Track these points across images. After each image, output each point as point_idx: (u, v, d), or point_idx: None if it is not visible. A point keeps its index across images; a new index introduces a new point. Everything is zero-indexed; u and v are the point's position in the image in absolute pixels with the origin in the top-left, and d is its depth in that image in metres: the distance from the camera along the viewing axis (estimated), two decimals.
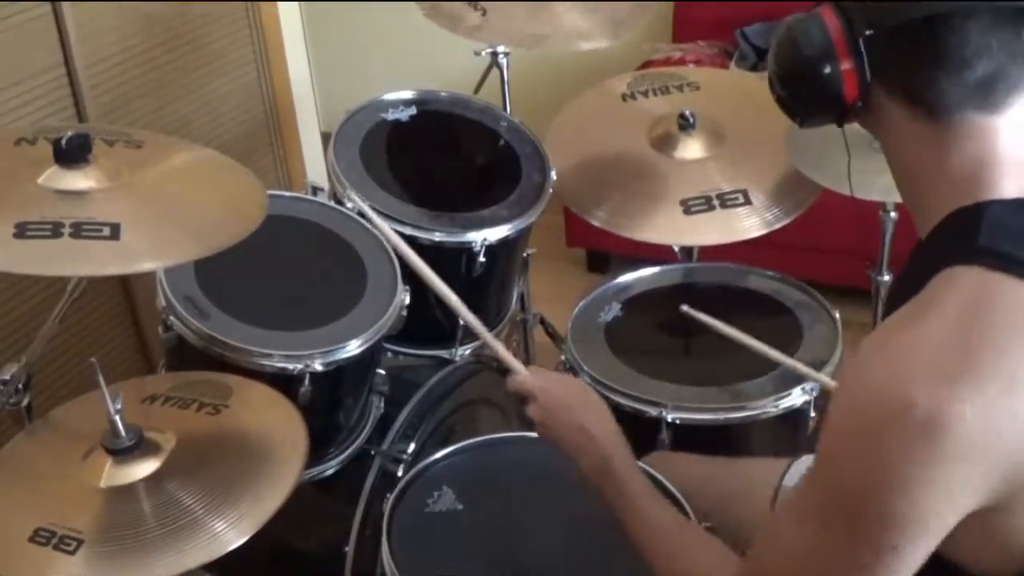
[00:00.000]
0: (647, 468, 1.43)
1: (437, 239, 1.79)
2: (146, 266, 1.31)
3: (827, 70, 0.95)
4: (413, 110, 1.98)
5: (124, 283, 2.55)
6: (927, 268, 0.91)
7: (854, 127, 1.03)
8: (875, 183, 1.55)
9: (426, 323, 1.87)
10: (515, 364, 1.32)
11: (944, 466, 0.83)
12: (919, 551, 0.87)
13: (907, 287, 0.93)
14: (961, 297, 0.86)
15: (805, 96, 1.00)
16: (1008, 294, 0.86)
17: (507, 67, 2.18)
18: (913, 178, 0.98)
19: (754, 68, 3.04)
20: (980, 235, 0.89)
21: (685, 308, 1.83)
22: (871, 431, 0.85)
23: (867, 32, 0.93)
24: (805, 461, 1.48)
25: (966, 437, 0.82)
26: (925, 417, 0.82)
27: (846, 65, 0.95)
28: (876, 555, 0.87)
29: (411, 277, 1.72)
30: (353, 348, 1.60)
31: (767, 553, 1.00)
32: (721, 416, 1.69)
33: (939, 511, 0.85)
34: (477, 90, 2.19)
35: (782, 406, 1.69)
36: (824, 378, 1.66)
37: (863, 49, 0.94)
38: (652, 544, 1.14)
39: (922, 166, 0.96)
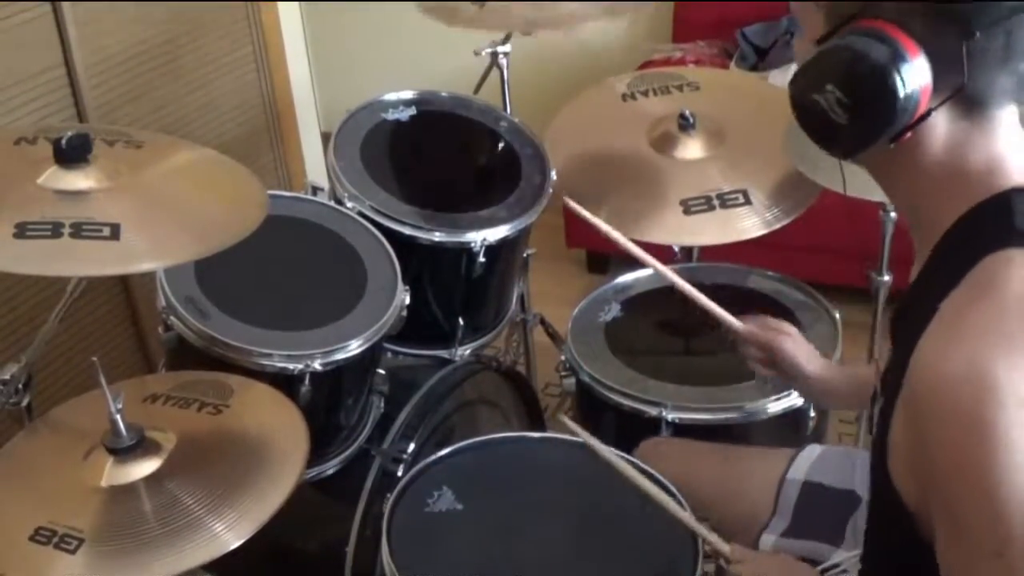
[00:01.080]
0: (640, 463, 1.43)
1: (437, 239, 1.79)
2: (146, 266, 1.31)
3: (906, 89, 0.91)
4: (413, 110, 1.98)
5: (124, 283, 2.55)
6: (964, 257, 0.92)
7: None
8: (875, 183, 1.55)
9: (426, 323, 1.87)
10: (723, 547, 1.27)
11: None
12: None
13: (938, 281, 0.93)
14: (1017, 276, 0.88)
15: (878, 121, 0.93)
16: None
17: (507, 67, 2.18)
18: (927, 179, 0.98)
19: (754, 68, 3.04)
20: (1016, 219, 0.92)
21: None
22: (972, 416, 0.85)
23: (957, 39, 0.90)
24: (811, 451, 1.47)
25: None
26: (1011, 391, 0.83)
27: (924, 80, 0.91)
28: None
29: (412, 277, 1.73)
30: (353, 348, 1.60)
31: None
32: (721, 416, 1.69)
33: None
34: (477, 90, 2.19)
35: (782, 406, 1.69)
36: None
37: (939, 58, 0.91)
38: None
39: (941, 164, 0.96)
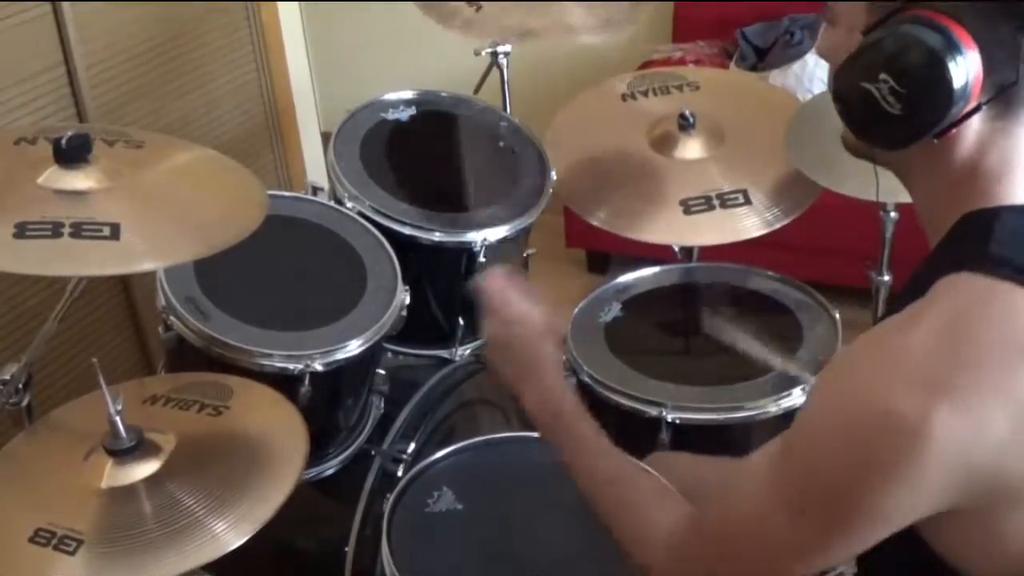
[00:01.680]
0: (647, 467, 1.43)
1: (437, 239, 1.79)
2: (146, 266, 1.31)
3: (960, 82, 0.89)
4: (413, 110, 1.98)
5: (124, 283, 2.55)
6: (937, 270, 0.90)
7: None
8: (876, 183, 1.55)
9: (426, 323, 1.87)
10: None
11: (923, 471, 0.83)
12: (871, 541, 0.89)
13: (912, 291, 0.92)
14: (956, 305, 0.87)
15: (933, 113, 0.91)
16: (1012, 305, 0.86)
17: (507, 67, 2.18)
18: (949, 175, 0.96)
19: (754, 68, 3.04)
20: (991, 242, 0.89)
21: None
22: (854, 433, 0.86)
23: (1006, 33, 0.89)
24: None
25: (946, 445, 0.82)
26: (906, 426, 0.82)
27: (976, 74, 0.90)
28: (828, 538, 0.89)
29: (412, 277, 1.73)
30: (353, 348, 1.60)
31: (719, 509, 1.01)
32: (721, 416, 1.68)
33: (908, 511, 0.87)
34: (477, 90, 2.19)
35: (782, 406, 1.69)
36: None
37: (990, 54, 0.90)
38: (600, 486, 1.13)
39: (963, 162, 0.95)
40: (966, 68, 0.88)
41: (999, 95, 0.91)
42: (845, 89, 0.95)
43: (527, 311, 1.24)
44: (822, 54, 1.04)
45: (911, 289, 0.94)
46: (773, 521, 0.92)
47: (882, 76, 0.91)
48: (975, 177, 0.94)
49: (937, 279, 0.89)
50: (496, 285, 1.25)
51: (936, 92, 0.89)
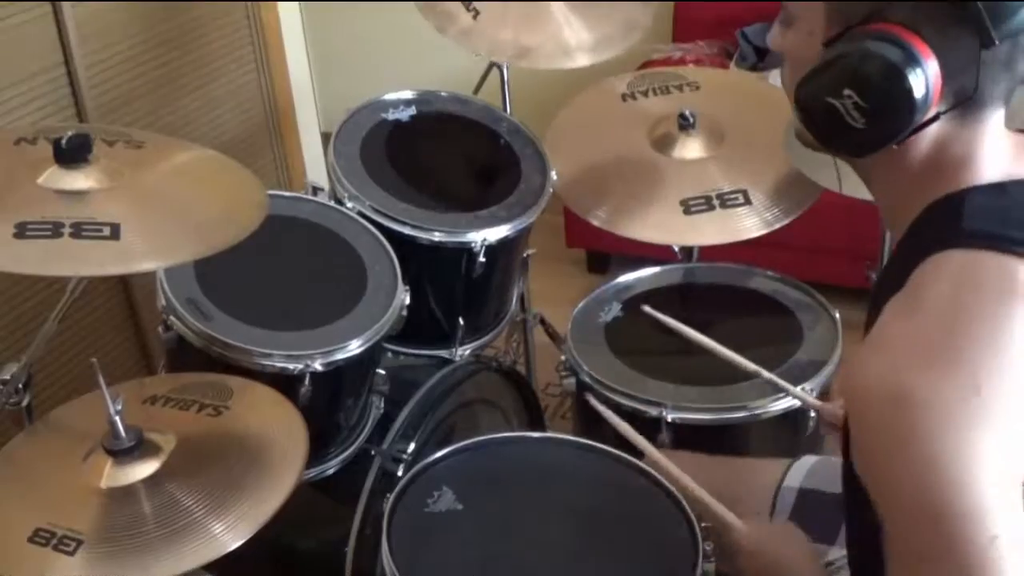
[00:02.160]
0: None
1: (437, 239, 1.79)
2: (146, 266, 1.31)
3: (921, 94, 0.91)
4: (413, 110, 1.98)
5: (124, 283, 2.55)
6: (911, 259, 0.92)
7: None
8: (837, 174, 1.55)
9: (426, 323, 1.87)
10: (730, 518, 1.30)
11: (973, 437, 0.84)
12: (1018, 531, 0.87)
13: (891, 281, 0.94)
14: (947, 282, 0.89)
15: (895, 125, 0.94)
16: (995, 268, 0.88)
17: (507, 67, 2.18)
18: (910, 172, 0.98)
19: (754, 68, 3.04)
20: (963, 219, 0.92)
21: (646, 308, 1.81)
22: (890, 430, 0.86)
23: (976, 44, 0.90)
24: (807, 460, 1.48)
25: (977, 407, 0.84)
26: (928, 399, 0.83)
27: (936, 84, 0.92)
28: (983, 553, 0.86)
29: (412, 277, 1.73)
30: (353, 348, 1.60)
31: None
32: (721, 416, 1.69)
33: (1004, 482, 0.86)
34: (477, 90, 2.19)
35: (782, 406, 1.69)
36: (800, 392, 1.63)
37: (949, 62, 0.91)
38: None
39: (923, 159, 0.97)
40: (927, 79, 0.90)
41: (963, 103, 0.93)
42: (809, 101, 0.97)
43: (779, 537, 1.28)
44: (777, 49, 1.06)
45: (886, 282, 0.96)
46: None
47: (846, 92, 0.93)
48: (938, 169, 0.97)
49: (915, 265, 0.91)
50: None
51: (899, 106, 0.92)
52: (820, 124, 0.97)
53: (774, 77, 2.90)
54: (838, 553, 1.30)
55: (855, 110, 0.93)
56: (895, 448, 0.86)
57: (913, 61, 0.90)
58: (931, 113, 0.93)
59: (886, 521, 0.92)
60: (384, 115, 1.95)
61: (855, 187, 1.66)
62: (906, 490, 0.87)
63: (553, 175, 1.91)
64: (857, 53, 0.92)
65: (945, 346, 0.86)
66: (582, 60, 2.02)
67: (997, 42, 0.89)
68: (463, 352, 1.93)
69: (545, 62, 2.00)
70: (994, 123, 0.97)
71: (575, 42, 2.03)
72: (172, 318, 1.56)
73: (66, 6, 2.30)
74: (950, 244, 0.91)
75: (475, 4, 1.99)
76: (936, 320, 0.87)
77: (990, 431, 0.85)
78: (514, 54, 2.00)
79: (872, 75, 0.91)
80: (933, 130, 0.95)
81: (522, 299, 2.19)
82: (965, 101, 0.93)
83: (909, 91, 0.90)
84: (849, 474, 1.00)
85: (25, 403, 1.47)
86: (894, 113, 0.92)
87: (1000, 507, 0.86)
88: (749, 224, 1.81)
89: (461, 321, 1.90)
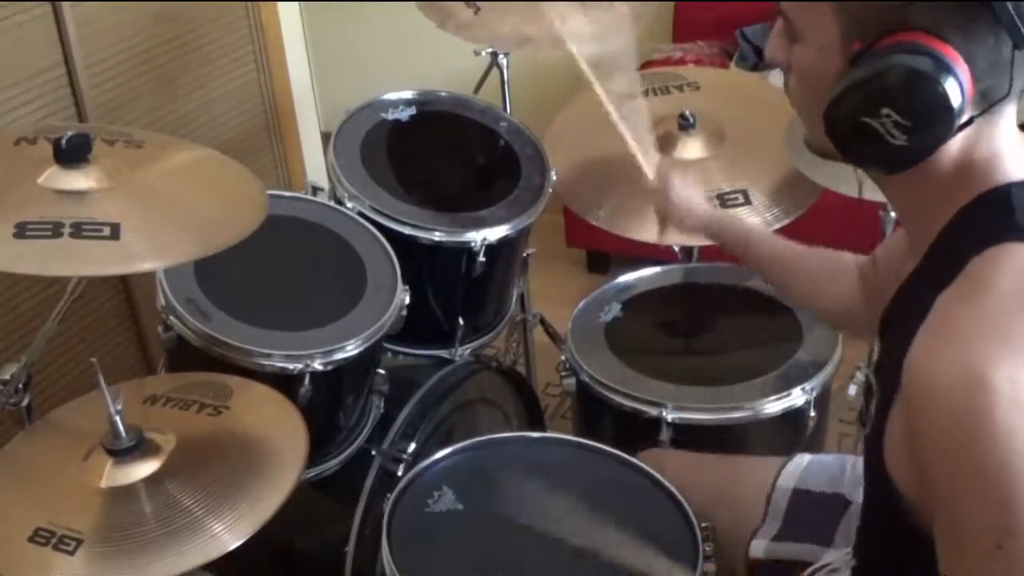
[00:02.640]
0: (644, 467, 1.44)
1: (437, 239, 1.79)
2: (146, 266, 1.30)
3: (957, 103, 0.90)
4: (413, 110, 1.98)
5: (124, 283, 2.55)
6: (961, 251, 0.92)
7: None
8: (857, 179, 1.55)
9: (426, 323, 1.87)
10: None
11: None
12: None
13: (936, 274, 0.93)
14: (1011, 275, 0.88)
15: (936, 139, 0.93)
16: None
17: (507, 67, 2.18)
18: (938, 174, 0.97)
19: (754, 68, 3.03)
20: (1016, 213, 0.92)
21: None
22: (966, 416, 0.85)
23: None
24: (800, 460, 1.48)
25: None
26: (1010, 390, 0.83)
27: (969, 90, 0.91)
28: None
29: (411, 277, 1.73)
30: (353, 348, 1.60)
31: None
32: (721, 416, 1.69)
33: None
34: (477, 90, 2.19)
35: (782, 406, 1.69)
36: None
37: (976, 65, 0.91)
38: None
39: (948, 163, 0.96)
40: (960, 85, 0.89)
41: (996, 104, 0.92)
42: (842, 122, 0.94)
43: None
44: (781, 64, 1.03)
45: (927, 277, 0.95)
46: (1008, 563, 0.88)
47: (884, 111, 0.91)
48: (968, 169, 0.96)
49: (967, 259, 0.91)
50: None
51: (939, 118, 0.90)
52: (855, 144, 0.95)
53: (774, 77, 2.90)
54: (834, 555, 1.30)
55: (895, 128, 0.91)
56: (974, 431, 0.85)
57: (946, 70, 0.88)
58: (964, 118, 0.92)
59: (950, 516, 0.91)
60: (384, 115, 1.95)
61: (871, 191, 1.67)
62: (983, 475, 0.86)
63: (553, 175, 1.91)
64: (891, 70, 0.90)
65: (1020, 333, 0.86)
66: (586, 49, 2.00)
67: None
68: (463, 352, 1.93)
69: (548, 49, 1.99)
70: (1010, 117, 0.97)
71: (576, 30, 2.02)
72: (172, 318, 1.56)
73: (66, 6, 2.30)
74: (1007, 237, 0.90)
75: (477, 2, 1.99)
76: (1007, 309, 0.87)
77: None
78: (515, 43, 1.99)
79: (910, 92, 0.89)
80: (961, 134, 0.94)
81: (522, 299, 2.19)
82: (998, 102, 0.92)
83: (947, 101, 0.89)
84: (875, 478, 1.00)
85: (25, 403, 1.46)
86: (936, 125, 0.91)
87: None
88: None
89: (461, 321, 1.90)
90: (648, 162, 1.65)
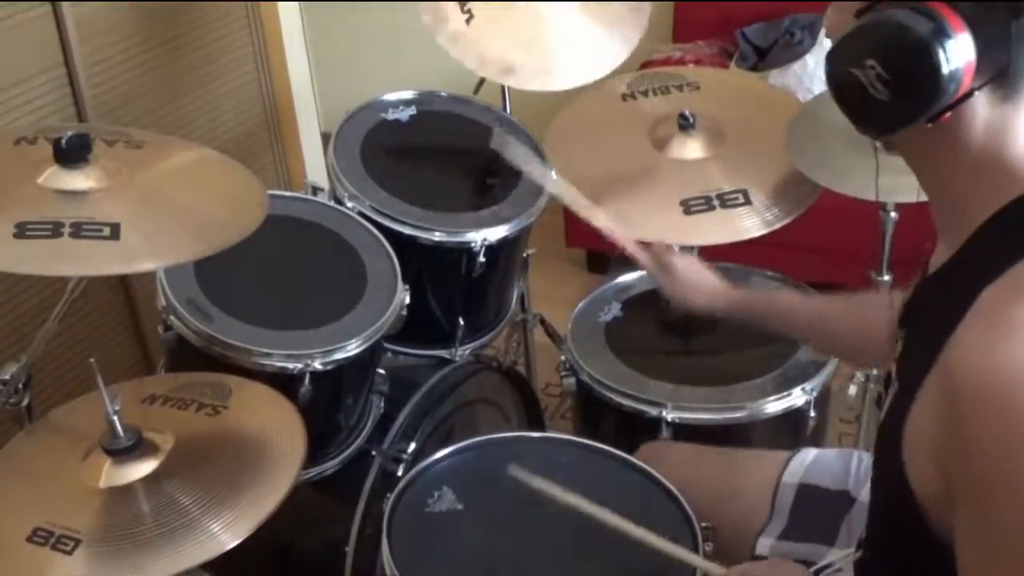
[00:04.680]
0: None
1: (437, 239, 1.79)
2: (146, 266, 1.30)
3: (950, 67, 0.88)
4: (413, 110, 1.98)
5: (124, 283, 2.55)
6: (1008, 249, 0.89)
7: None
8: (875, 183, 1.55)
9: (426, 323, 1.87)
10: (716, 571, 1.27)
11: None
12: None
13: (978, 268, 0.90)
14: None
15: (920, 99, 0.91)
16: None
17: None
18: (963, 171, 0.95)
19: (754, 68, 3.04)
20: None
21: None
22: (1021, 414, 0.83)
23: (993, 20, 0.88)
24: (805, 455, 1.47)
25: None
26: None
27: (968, 58, 0.88)
28: None
29: (411, 277, 1.73)
30: (353, 348, 1.60)
31: None
32: (721, 416, 1.69)
33: None
34: (477, 90, 2.19)
35: (782, 406, 1.69)
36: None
37: (983, 37, 0.88)
38: None
39: (977, 155, 0.94)
40: (957, 53, 0.87)
41: (997, 78, 0.90)
42: (835, 74, 0.95)
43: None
44: (828, 33, 1.03)
45: (972, 270, 0.92)
46: None
47: (868, 62, 0.91)
48: (1004, 163, 0.93)
49: (1011, 260, 0.88)
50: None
51: (923, 79, 0.88)
52: (846, 97, 0.95)
53: (774, 77, 2.91)
54: (838, 554, 1.29)
55: (878, 81, 0.91)
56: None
57: (940, 31, 0.87)
58: (964, 89, 0.89)
59: (985, 516, 0.88)
60: (384, 115, 1.95)
61: (858, 188, 1.67)
62: (1020, 476, 0.83)
63: (553, 175, 1.91)
64: (879, 22, 0.91)
65: None
66: (564, 83, 2.00)
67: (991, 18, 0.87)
68: (463, 352, 1.93)
69: (527, 82, 1.99)
70: None
71: (561, 63, 2.02)
72: (172, 318, 1.56)
73: (66, 6, 2.30)
74: None
75: (470, 5, 1.99)
76: None
77: None
78: (498, 71, 1.99)
79: (893, 44, 0.89)
80: (981, 119, 0.92)
81: (522, 299, 2.19)
82: (999, 78, 0.90)
83: (934, 62, 0.87)
84: (887, 474, 0.98)
85: (25, 403, 1.47)
86: (918, 84, 0.89)
87: None
88: (749, 224, 1.81)
89: (461, 321, 1.90)
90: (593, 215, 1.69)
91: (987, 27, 0.88)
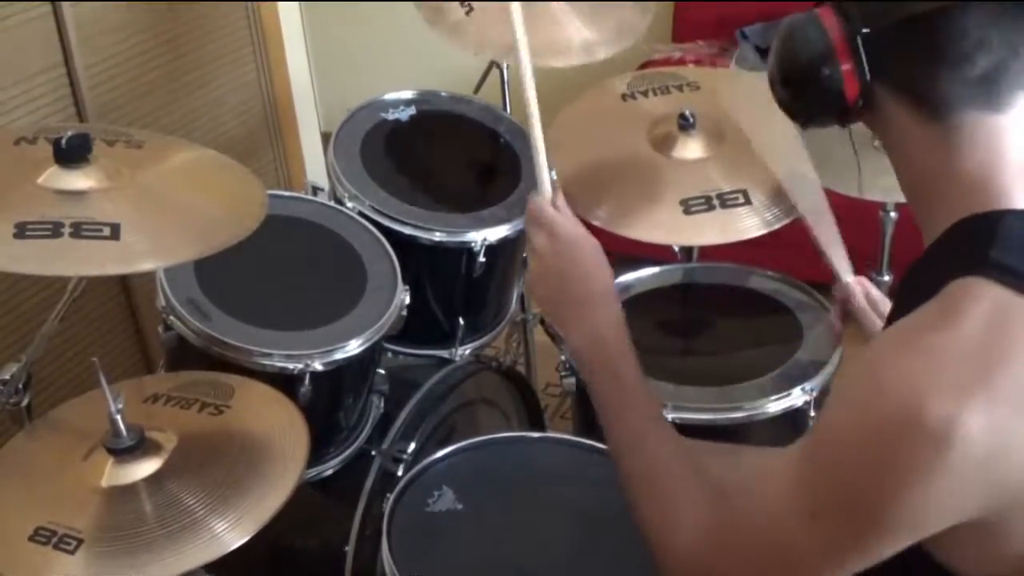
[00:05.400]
0: None
1: (437, 239, 1.79)
2: (146, 266, 1.30)
3: (827, 71, 0.94)
4: (413, 110, 1.98)
5: (124, 283, 2.55)
6: (938, 274, 0.88)
7: (859, 126, 1.02)
8: (876, 183, 1.55)
9: (426, 323, 1.87)
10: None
11: (948, 478, 0.81)
12: (897, 547, 0.87)
13: (914, 292, 0.90)
14: (981, 310, 0.84)
15: (806, 97, 1.00)
16: (1020, 314, 0.83)
17: (507, 67, 2.18)
18: (919, 181, 0.96)
19: (754, 68, 3.03)
20: (994, 248, 0.87)
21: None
22: (883, 434, 0.83)
23: (864, 30, 0.93)
24: None
25: (974, 453, 0.81)
26: (937, 428, 0.80)
27: (846, 65, 0.94)
28: (855, 546, 0.87)
29: (411, 277, 1.73)
30: (353, 348, 1.60)
31: (745, 513, 0.98)
32: (721, 416, 1.68)
33: (933, 519, 0.85)
34: (477, 90, 2.20)
35: (782, 406, 1.69)
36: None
37: (861, 48, 0.93)
38: (631, 452, 1.12)
39: (928, 169, 0.94)
40: (829, 60, 0.95)
41: (916, 98, 0.93)
42: (769, 76, 1.06)
43: (583, 235, 1.24)
44: None
45: (914, 285, 0.93)
46: (790, 527, 0.90)
47: (773, 68, 1.03)
48: (955, 178, 0.93)
49: (947, 280, 0.87)
50: (547, 206, 1.25)
51: (804, 81, 0.98)
52: (774, 95, 1.04)
53: None
54: None
55: (777, 81, 1.02)
56: (888, 445, 0.83)
57: (812, 39, 0.96)
58: (851, 95, 0.95)
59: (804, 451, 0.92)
60: (384, 115, 1.95)
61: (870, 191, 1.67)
62: (855, 472, 0.85)
63: (553, 175, 1.91)
64: (781, 28, 1.00)
65: (967, 379, 0.82)
66: (572, 60, 2.01)
67: (864, 29, 0.93)
68: (463, 352, 1.93)
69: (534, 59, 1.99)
70: (1014, 132, 0.92)
71: (566, 42, 2.02)
72: (172, 318, 1.56)
73: (66, 6, 2.30)
74: (977, 271, 0.86)
75: (470, 1, 1.99)
76: (964, 349, 0.83)
77: (968, 478, 0.82)
78: (501, 50, 1.99)
79: (778, 46, 1.01)
80: (909, 133, 0.94)
81: (522, 299, 2.19)
82: (906, 91, 0.94)
83: (807, 58, 0.96)
84: None
85: (25, 403, 1.46)
86: (794, 81, 1.00)
87: (909, 532, 0.85)
88: (749, 224, 1.81)
89: (461, 321, 1.90)
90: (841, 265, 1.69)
91: (883, 37, 0.92)
